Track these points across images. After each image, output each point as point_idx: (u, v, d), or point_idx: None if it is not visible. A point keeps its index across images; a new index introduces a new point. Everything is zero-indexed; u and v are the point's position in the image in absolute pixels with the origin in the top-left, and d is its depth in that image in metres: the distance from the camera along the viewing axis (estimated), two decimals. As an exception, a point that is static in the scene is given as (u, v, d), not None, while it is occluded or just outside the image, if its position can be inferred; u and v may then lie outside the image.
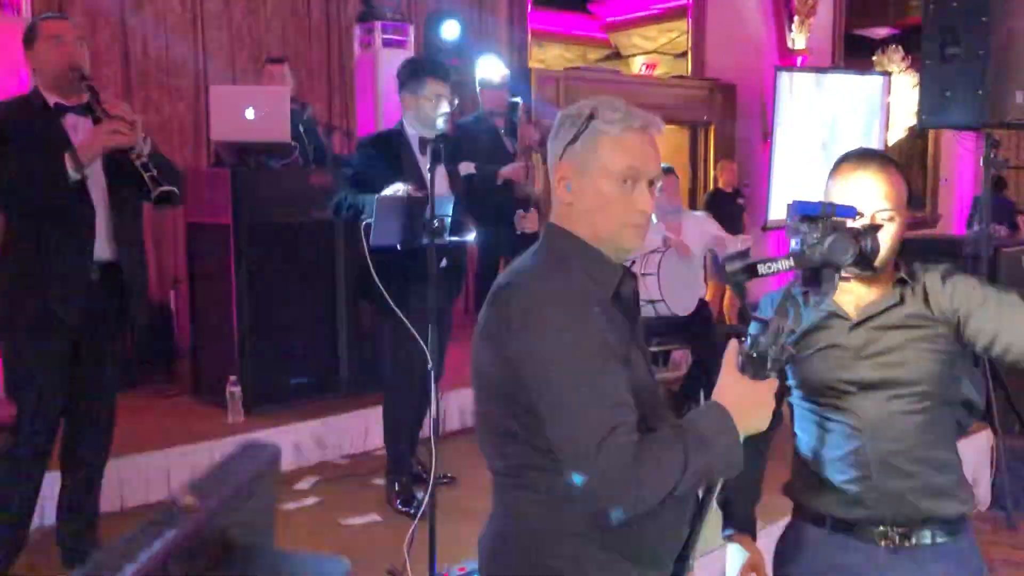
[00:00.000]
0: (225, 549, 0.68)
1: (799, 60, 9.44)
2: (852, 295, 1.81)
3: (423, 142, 3.50)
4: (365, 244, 2.97)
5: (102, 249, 2.81)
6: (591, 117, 1.50)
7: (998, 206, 8.75)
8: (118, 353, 3.03)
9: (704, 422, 1.42)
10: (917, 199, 11.26)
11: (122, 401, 4.42)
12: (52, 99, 2.80)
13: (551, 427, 1.41)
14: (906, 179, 1.85)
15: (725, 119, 8.87)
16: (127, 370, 4.39)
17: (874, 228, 1.69)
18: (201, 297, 4.66)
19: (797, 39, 9.46)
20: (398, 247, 3.08)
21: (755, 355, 1.44)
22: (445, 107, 3.47)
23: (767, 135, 8.97)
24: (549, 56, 11.57)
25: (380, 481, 3.90)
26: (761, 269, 1.49)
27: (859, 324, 1.79)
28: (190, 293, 4.74)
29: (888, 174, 1.78)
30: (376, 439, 4.40)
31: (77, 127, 2.80)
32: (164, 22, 5.50)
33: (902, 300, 1.79)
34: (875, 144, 9.70)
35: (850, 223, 1.59)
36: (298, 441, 4.26)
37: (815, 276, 1.56)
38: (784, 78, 8.60)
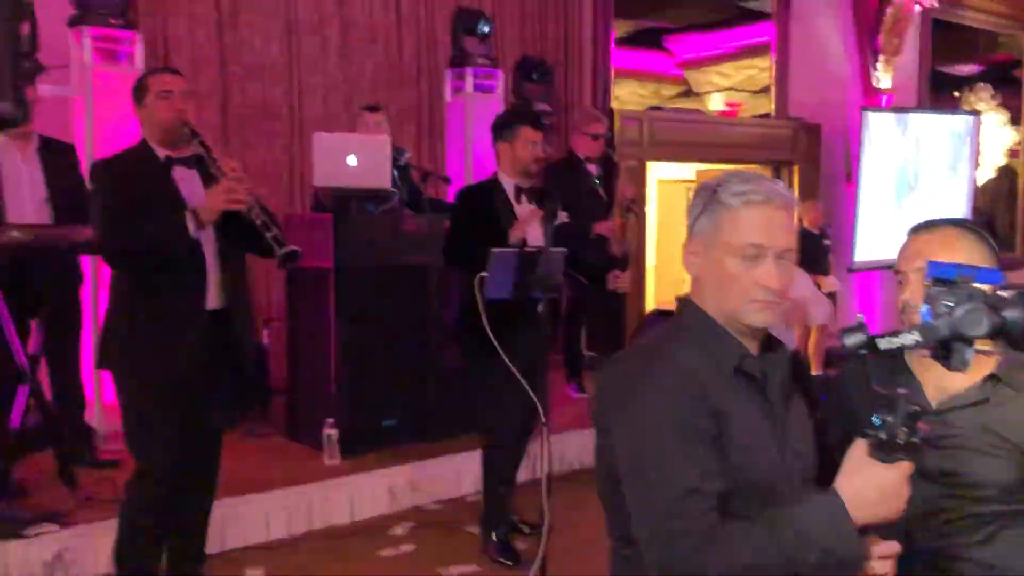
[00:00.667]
0: None
1: (884, 99, 9.29)
2: (933, 373, 1.70)
3: (519, 190, 3.57)
4: (479, 296, 2.98)
5: (212, 298, 2.86)
6: (715, 190, 1.49)
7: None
8: (226, 400, 3.07)
9: (810, 515, 1.33)
10: (1008, 239, 10.94)
11: (220, 440, 4.57)
12: (161, 152, 2.87)
13: (629, 506, 1.42)
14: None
15: (809, 159, 8.75)
16: (231, 416, 4.51)
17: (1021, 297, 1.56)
18: (298, 338, 4.73)
19: (882, 78, 9.31)
20: (509, 299, 3.09)
21: (883, 437, 1.33)
22: (539, 153, 3.52)
23: (851, 175, 8.82)
24: (624, 93, 11.58)
25: (474, 529, 3.88)
26: (883, 344, 1.39)
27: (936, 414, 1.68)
28: (288, 334, 4.81)
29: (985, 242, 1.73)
30: (468, 485, 4.40)
31: (185, 179, 2.87)
32: (262, 68, 5.65)
33: (987, 400, 1.68)
34: (965, 184, 9.48)
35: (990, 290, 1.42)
36: (392, 485, 4.27)
37: (945, 350, 1.40)
38: (869, 118, 8.47)
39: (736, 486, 1.40)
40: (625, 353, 1.56)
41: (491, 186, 3.63)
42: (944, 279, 1.43)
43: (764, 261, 1.45)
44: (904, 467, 1.34)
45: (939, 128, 9.26)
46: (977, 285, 1.44)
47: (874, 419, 1.36)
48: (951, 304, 1.39)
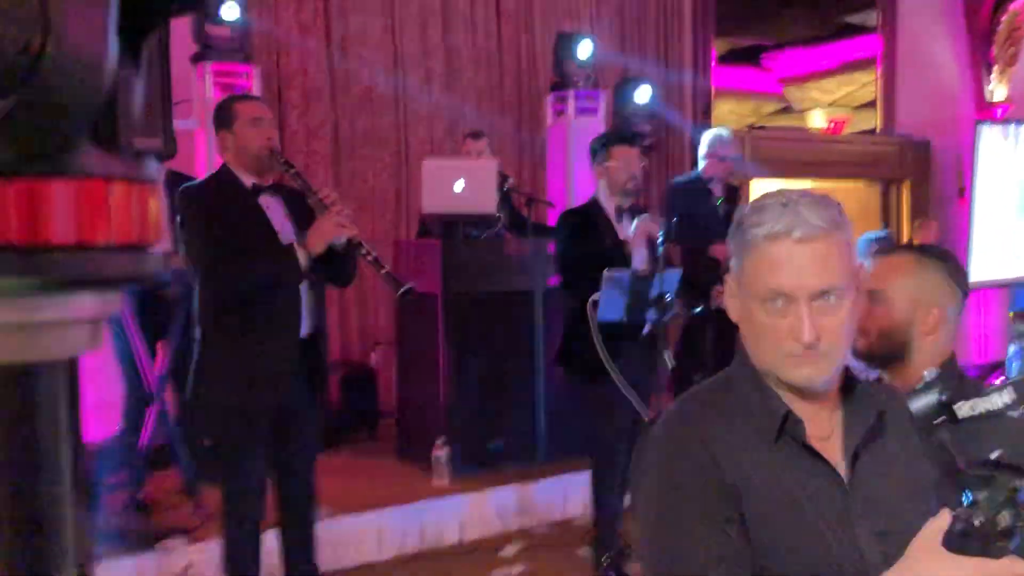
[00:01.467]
0: None
1: (999, 111, 8.94)
2: None
3: (619, 211, 3.58)
4: (591, 318, 2.99)
5: (304, 326, 2.88)
6: (741, 221, 1.26)
7: None
8: (318, 420, 3.10)
9: None
10: None
11: (330, 460, 4.67)
12: (248, 179, 2.85)
13: None
14: None
15: (919, 176, 8.49)
16: (324, 435, 4.61)
17: None
18: (408, 361, 4.83)
19: (997, 90, 8.98)
20: (623, 320, 3.09)
21: (979, 523, 1.01)
22: (634, 171, 3.52)
23: (963, 191, 8.51)
24: (722, 112, 11.44)
25: (584, 552, 3.87)
26: (963, 411, 1.15)
27: None
28: (398, 357, 4.92)
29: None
30: (574, 507, 4.40)
31: (271, 207, 2.87)
32: (370, 98, 5.81)
33: None
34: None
35: None
36: (501, 506, 4.30)
37: None
38: (983, 131, 8.16)
39: None
40: (674, 405, 1.37)
41: (591, 208, 3.65)
42: None
43: (794, 307, 1.19)
44: (1014, 564, 1.01)
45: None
46: None
47: (965, 496, 1.04)
48: None
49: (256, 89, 4.93)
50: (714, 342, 4.43)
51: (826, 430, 1.28)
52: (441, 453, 4.35)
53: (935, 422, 1.18)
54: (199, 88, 4.79)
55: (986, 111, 8.87)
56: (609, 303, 3.00)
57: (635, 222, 3.48)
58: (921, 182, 8.50)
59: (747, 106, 12.31)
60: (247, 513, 2.85)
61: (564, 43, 5.96)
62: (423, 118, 5.98)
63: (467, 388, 4.49)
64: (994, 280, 8.52)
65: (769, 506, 1.22)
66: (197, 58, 4.81)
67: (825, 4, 9.16)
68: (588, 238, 3.45)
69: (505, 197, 5.02)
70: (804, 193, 1.23)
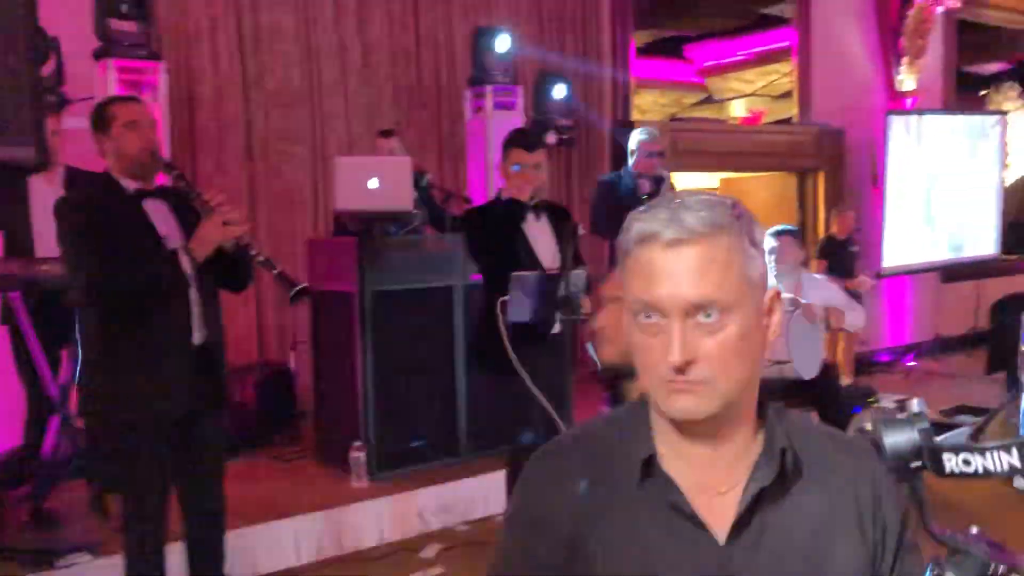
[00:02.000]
0: None
1: (909, 101, 9.20)
2: None
3: (525, 208, 3.55)
4: (500, 319, 2.99)
5: (197, 334, 2.78)
6: (625, 225, 1.07)
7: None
8: (221, 428, 2.99)
9: None
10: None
11: (248, 465, 4.60)
12: (130, 184, 2.74)
13: None
14: None
15: (834, 164, 8.68)
16: (239, 440, 4.60)
17: None
18: (324, 361, 4.76)
19: (906, 80, 9.24)
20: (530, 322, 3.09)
21: None
22: (528, 175, 3.49)
23: (876, 180, 8.74)
24: (645, 103, 11.56)
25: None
26: (952, 465, 0.94)
27: None
28: (314, 357, 4.85)
29: None
30: (496, 505, 4.39)
31: (156, 212, 2.76)
32: (284, 93, 5.70)
33: None
34: (993, 185, 9.35)
35: None
36: (422, 507, 4.28)
37: None
38: (893, 121, 8.39)
39: None
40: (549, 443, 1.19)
41: (497, 205, 3.65)
42: None
43: (668, 324, 1.00)
44: None
45: (966, 129, 9.16)
46: None
47: (929, 569, 0.92)
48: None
49: (163, 86, 4.80)
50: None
51: (724, 481, 1.05)
52: (359, 455, 4.30)
53: (911, 466, 0.96)
54: (101, 86, 4.62)
55: (896, 101, 9.13)
56: (517, 305, 3.00)
57: None
58: (836, 171, 8.70)
59: (670, 96, 12.47)
60: (147, 529, 2.76)
61: (482, 38, 5.93)
62: (339, 114, 5.88)
63: (386, 387, 4.45)
64: (905, 266, 8.79)
65: (614, 567, 1.03)
66: (99, 54, 4.65)
67: (742, -4, 9.29)
68: (493, 236, 3.43)
69: (423, 193, 4.99)
70: (697, 193, 1.05)
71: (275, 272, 2.79)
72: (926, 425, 0.98)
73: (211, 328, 2.82)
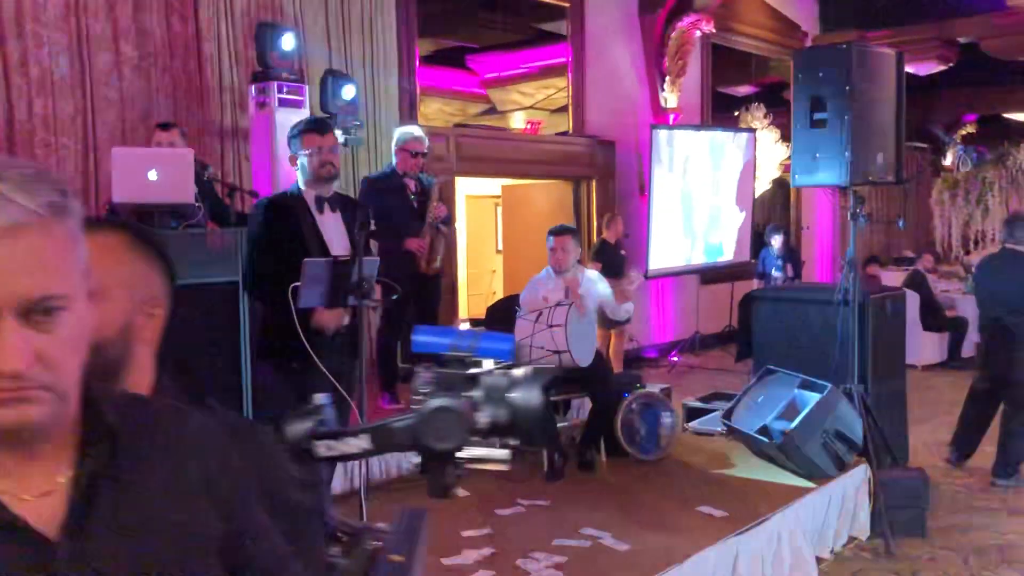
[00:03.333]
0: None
1: (672, 117, 9.98)
2: None
3: (319, 200, 3.59)
4: (292, 306, 3.02)
5: None
6: None
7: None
8: None
9: None
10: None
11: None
12: None
13: None
14: None
15: (605, 174, 9.26)
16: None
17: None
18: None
19: (669, 98, 10.02)
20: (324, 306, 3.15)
21: None
22: (325, 158, 3.54)
23: (643, 189, 9.42)
24: (430, 111, 11.79)
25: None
26: (321, 451, 1.07)
27: None
28: (87, 357, 4.61)
29: None
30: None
31: None
32: (50, 80, 5.38)
33: None
34: (745, 197, 10.32)
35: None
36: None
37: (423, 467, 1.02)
38: (658, 135, 9.08)
39: None
40: None
41: (291, 196, 3.65)
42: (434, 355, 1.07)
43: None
44: None
45: (722, 144, 10.05)
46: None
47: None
48: (423, 395, 1.00)
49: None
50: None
51: (45, 478, 0.91)
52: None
53: (304, 448, 1.04)
54: None
55: (661, 116, 9.87)
56: (309, 291, 3.05)
57: None
58: (607, 180, 9.29)
59: (454, 106, 12.77)
60: None
61: (265, 33, 5.87)
62: (114, 105, 5.63)
63: (166, 386, 4.31)
64: (670, 268, 9.52)
65: None
66: None
67: (521, 10, 9.70)
68: (284, 227, 3.45)
69: (206, 187, 4.88)
70: (13, 163, 0.88)
71: None
72: (323, 417, 1.10)
73: None
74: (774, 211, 12.85)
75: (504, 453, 1.00)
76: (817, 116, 4.79)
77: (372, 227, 3.58)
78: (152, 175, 4.21)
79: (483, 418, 0.97)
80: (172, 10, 5.89)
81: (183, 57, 5.94)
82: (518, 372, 0.96)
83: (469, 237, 10.90)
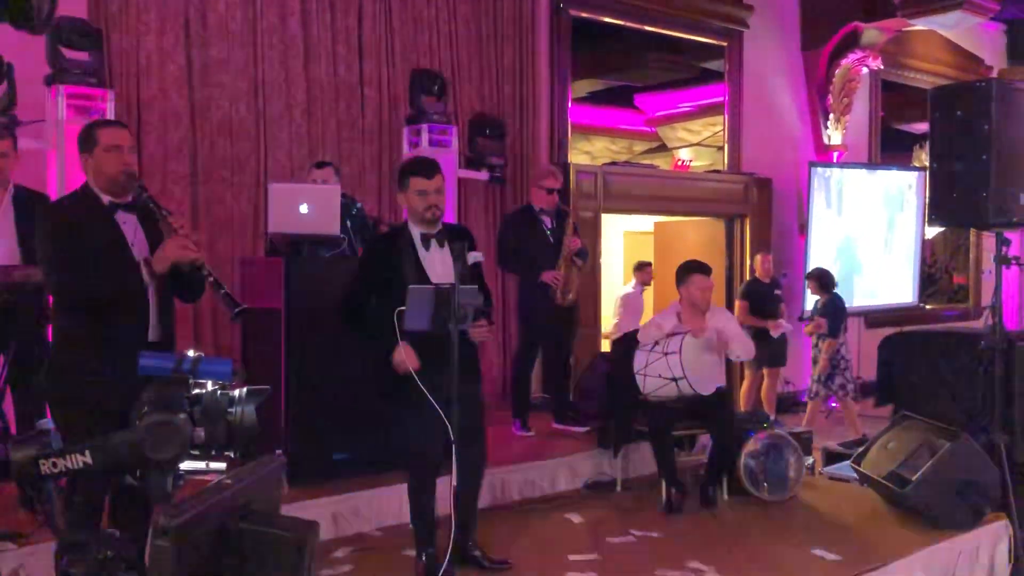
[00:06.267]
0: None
1: (835, 155, 9.74)
2: None
3: (425, 238, 3.72)
4: (397, 329, 3.30)
5: (152, 332, 3.15)
6: None
7: None
8: None
9: None
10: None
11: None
12: (105, 197, 3.14)
13: None
14: None
15: (760, 211, 9.15)
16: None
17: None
18: (252, 376, 5.01)
19: (833, 135, 9.79)
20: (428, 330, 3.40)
21: None
22: (429, 202, 3.65)
23: (803, 228, 9.23)
24: (596, 148, 12.03)
25: (411, 552, 4.14)
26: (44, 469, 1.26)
27: None
28: (242, 371, 5.10)
29: None
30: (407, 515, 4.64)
31: (127, 224, 3.16)
32: (229, 125, 6.02)
33: None
34: (912, 238, 9.87)
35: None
36: (336, 512, 4.53)
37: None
38: (819, 173, 8.90)
39: None
40: None
41: (397, 233, 3.85)
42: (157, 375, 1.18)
43: None
44: None
45: (890, 183, 9.70)
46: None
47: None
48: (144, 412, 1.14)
49: (111, 112, 5.09)
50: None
51: None
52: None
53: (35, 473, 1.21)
54: (52, 110, 4.92)
55: (823, 154, 9.67)
56: (414, 314, 3.32)
57: None
58: (763, 218, 9.17)
59: (621, 143, 12.97)
60: (81, 521, 3.01)
61: (420, 79, 6.31)
62: (283, 145, 6.21)
63: (309, 401, 4.71)
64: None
65: None
66: (50, 80, 4.95)
67: (684, 49, 9.79)
68: (388, 263, 3.65)
69: (358, 220, 5.32)
70: None
71: (222, 292, 3.14)
72: (48, 440, 1.25)
73: (165, 329, 3.20)
74: (957, 254, 12.18)
75: (221, 465, 1.18)
76: (956, 155, 4.64)
77: (480, 258, 3.73)
78: (303, 208, 4.67)
79: (201, 433, 1.15)
80: (339, 59, 6.44)
81: (346, 102, 6.47)
82: (236, 392, 1.12)
83: (627, 273, 10.99)
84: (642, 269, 9.14)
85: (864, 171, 9.62)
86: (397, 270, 3.60)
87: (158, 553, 1.09)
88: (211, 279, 3.15)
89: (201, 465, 1.25)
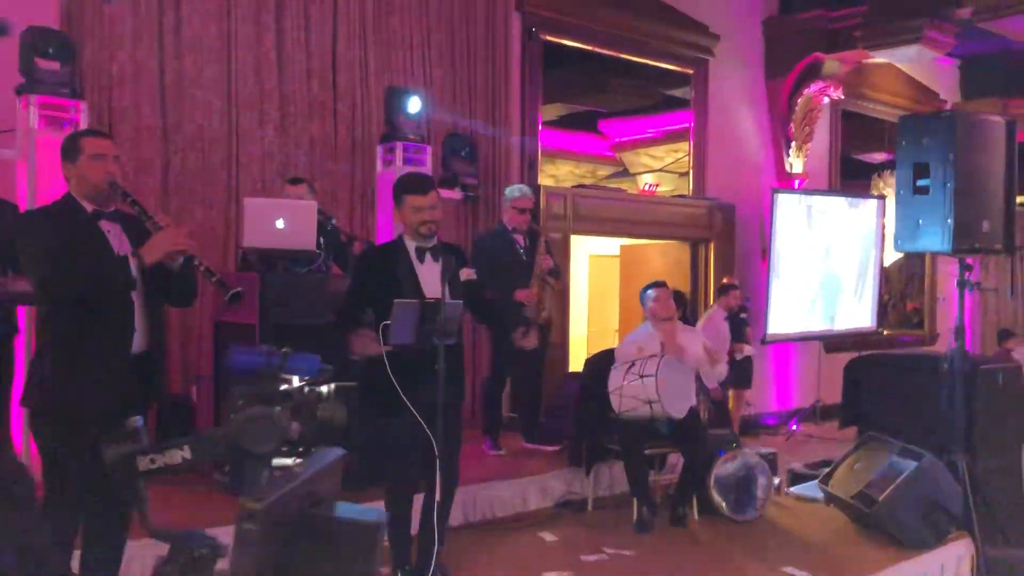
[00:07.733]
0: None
1: (796, 183, 9.94)
2: None
3: (420, 251, 3.77)
4: (381, 344, 3.30)
5: (137, 341, 3.11)
6: None
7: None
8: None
9: None
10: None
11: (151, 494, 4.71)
12: (88, 206, 3.11)
13: None
14: None
15: (724, 236, 9.29)
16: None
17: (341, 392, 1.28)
18: (224, 393, 4.96)
19: (795, 163, 9.99)
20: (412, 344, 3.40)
21: None
22: (425, 217, 3.71)
23: (765, 252, 9.39)
24: (561, 172, 12.17)
25: (386, 571, 4.11)
26: (144, 464, 1.34)
27: None
28: (214, 387, 5.04)
29: None
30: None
31: (111, 232, 3.13)
32: (202, 138, 5.98)
33: None
34: (872, 265, 10.09)
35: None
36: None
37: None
38: (780, 199, 9.07)
39: None
40: None
41: (393, 247, 3.90)
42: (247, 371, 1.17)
43: None
44: None
45: (848, 211, 9.92)
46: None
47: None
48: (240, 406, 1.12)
49: (84, 123, 5.03)
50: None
51: None
52: (252, 478, 4.50)
53: None
54: (23, 120, 4.86)
55: (785, 181, 9.85)
56: (399, 328, 3.32)
57: None
58: (726, 242, 9.30)
59: (585, 167, 13.12)
60: (61, 528, 2.96)
61: (394, 97, 6.33)
62: (256, 159, 6.18)
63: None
64: (791, 333, 9.39)
65: None
66: (21, 90, 4.88)
67: (649, 76, 9.93)
68: (384, 276, 3.68)
69: (331, 236, 5.30)
70: None
71: (214, 279, 3.14)
72: (142, 438, 1.27)
73: (152, 340, 3.16)
74: (911, 281, 12.47)
75: (299, 460, 1.19)
76: (920, 183, 4.78)
77: (474, 276, 3.79)
78: (279, 223, 4.65)
79: (296, 427, 1.15)
80: (313, 75, 6.44)
81: (320, 119, 6.46)
82: (323, 388, 1.15)
83: (591, 296, 11.07)
84: (726, 292, 8.08)
85: (824, 197, 9.81)
86: (393, 281, 3.63)
87: (246, 535, 1.11)
88: (203, 268, 3.13)
89: (289, 461, 1.26)
